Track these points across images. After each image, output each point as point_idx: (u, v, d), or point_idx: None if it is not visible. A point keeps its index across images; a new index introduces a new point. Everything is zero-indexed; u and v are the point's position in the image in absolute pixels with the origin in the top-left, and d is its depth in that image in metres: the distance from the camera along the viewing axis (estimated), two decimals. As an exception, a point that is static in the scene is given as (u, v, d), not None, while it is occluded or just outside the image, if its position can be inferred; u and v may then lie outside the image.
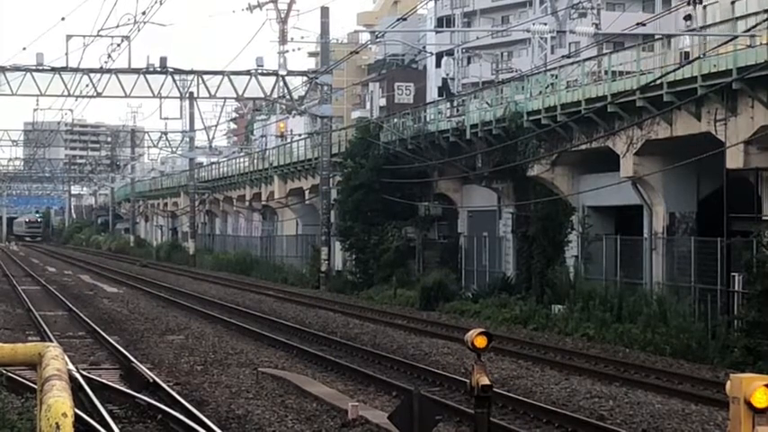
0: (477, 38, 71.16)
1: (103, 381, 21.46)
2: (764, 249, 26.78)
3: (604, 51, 42.39)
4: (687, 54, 31.60)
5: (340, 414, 18.34)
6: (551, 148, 38.38)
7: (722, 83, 28.83)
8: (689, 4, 41.46)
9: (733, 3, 42.28)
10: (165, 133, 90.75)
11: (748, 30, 29.02)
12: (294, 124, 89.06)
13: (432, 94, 79.55)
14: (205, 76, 52.61)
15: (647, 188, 34.31)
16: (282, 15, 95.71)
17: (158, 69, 51.33)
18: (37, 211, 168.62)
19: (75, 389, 17.96)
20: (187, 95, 59.17)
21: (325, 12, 54.39)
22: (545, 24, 43.64)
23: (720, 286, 29.51)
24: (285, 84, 54.71)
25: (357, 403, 18.82)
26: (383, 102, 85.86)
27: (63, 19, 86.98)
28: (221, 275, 66.58)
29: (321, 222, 54.17)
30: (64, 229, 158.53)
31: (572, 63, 40.75)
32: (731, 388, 7.05)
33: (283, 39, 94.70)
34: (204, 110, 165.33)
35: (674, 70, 30.62)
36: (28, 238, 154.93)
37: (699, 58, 29.83)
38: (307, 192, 64.18)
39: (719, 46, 29.16)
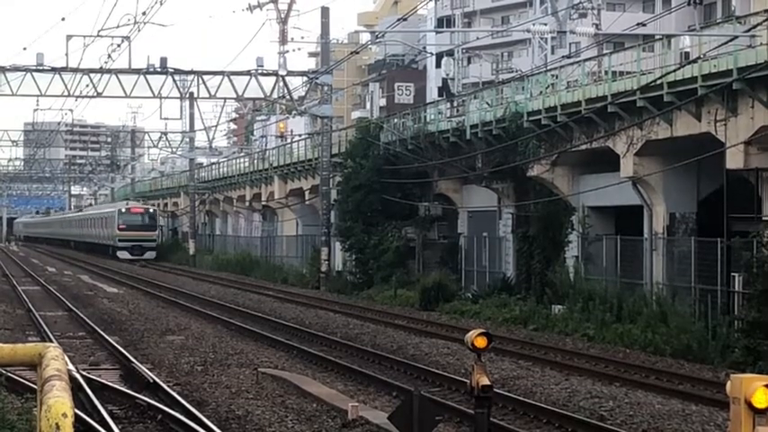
0: (478, 38, 71.15)
1: (103, 381, 21.45)
2: (764, 249, 26.78)
3: (604, 51, 42.36)
4: (687, 54, 31.54)
5: (340, 414, 18.33)
6: (551, 148, 38.36)
7: (722, 83, 28.81)
8: (689, 4, 41.43)
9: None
10: (165, 133, 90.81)
11: (748, 30, 29.00)
12: (294, 124, 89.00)
13: (432, 94, 79.53)
14: (205, 77, 52.61)
15: (648, 188, 34.29)
16: (282, 15, 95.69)
17: (158, 70, 51.32)
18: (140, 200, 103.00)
19: (75, 389, 17.96)
20: (187, 96, 59.21)
21: (325, 12, 54.38)
22: (545, 25, 43.54)
23: (720, 286, 29.49)
24: (285, 84, 54.72)
25: (357, 403, 18.80)
26: (383, 102, 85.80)
27: (63, 19, 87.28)
28: (221, 276, 66.54)
29: (321, 223, 54.14)
30: None
31: (572, 63, 40.74)
32: (731, 388, 7.04)
33: (283, 39, 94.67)
34: (204, 110, 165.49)
35: (675, 70, 30.60)
36: (126, 253, 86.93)
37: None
38: (307, 192, 64.13)
39: (721, 45, 29.12)
